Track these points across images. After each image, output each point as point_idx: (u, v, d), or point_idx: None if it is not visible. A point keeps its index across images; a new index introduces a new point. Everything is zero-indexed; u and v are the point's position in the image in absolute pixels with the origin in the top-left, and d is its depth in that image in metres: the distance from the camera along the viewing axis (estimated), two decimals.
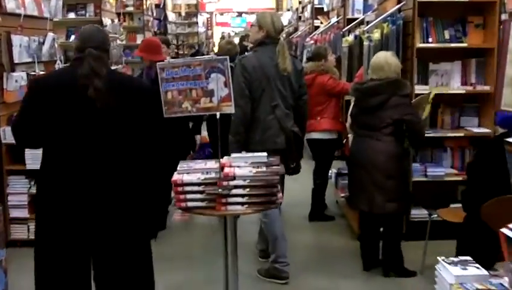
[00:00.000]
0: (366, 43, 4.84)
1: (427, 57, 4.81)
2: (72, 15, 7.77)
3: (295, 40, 11.47)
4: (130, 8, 10.98)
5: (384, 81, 3.97)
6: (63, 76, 2.86)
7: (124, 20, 10.77)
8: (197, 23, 18.60)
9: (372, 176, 3.97)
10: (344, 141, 5.40)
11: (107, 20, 7.64)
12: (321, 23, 9.99)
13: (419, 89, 4.69)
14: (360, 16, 7.22)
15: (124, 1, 10.09)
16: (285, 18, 17.89)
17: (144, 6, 11.02)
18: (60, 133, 2.74)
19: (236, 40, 17.18)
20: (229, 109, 3.08)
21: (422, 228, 4.46)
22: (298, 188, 5.90)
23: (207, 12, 21.81)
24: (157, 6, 13.39)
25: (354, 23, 6.10)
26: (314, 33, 9.15)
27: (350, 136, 5.23)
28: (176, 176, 3.06)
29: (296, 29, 13.22)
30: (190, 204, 3.03)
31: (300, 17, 12.93)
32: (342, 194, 5.17)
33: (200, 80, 3.07)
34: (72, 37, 7.69)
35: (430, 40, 4.76)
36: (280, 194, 3.07)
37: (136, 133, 2.90)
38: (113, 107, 2.74)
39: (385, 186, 3.95)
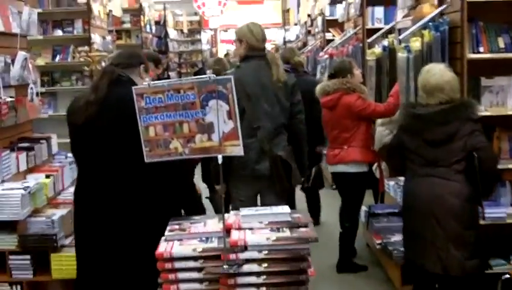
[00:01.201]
0: (403, 54, 3.94)
1: (478, 70, 3.90)
2: (58, 32, 6.97)
3: (305, 55, 10.62)
4: (127, 25, 10.20)
5: (453, 105, 3.20)
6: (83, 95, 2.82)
7: (120, 38, 10.00)
8: (200, 40, 17.82)
9: (445, 226, 3.13)
10: (375, 170, 4.47)
11: (96, 37, 6.80)
12: (333, 36, 9.21)
13: None
14: (381, 26, 6.43)
15: (119, 17, 9.27)
16: (293, 33, 17.13)
17: (142, 23, 10.21)
18: (73, 150, 2.86)
19: None
20: (237, 149, 2.19)
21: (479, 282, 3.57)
22: (321, 228, 5.04)
23: (211, 29, 21.03)
24: (157, 23, 12.61)
25: (381, 31, 5.21)
26: (328, 46, 8.29)
27: (383, 166, 4.33)
28: (162, 246, 2.17)
29: (305, 44, 12.40)
30: (183, 287, 2.15)
31: (309, 31, 12.10)
32: (378, 241, 4.22)
33: (194, 110, 2.19)
34: (58, 57, 6.91)
35: (481, 49, 3.86)
36: (311, 269, 2.16)
37: (131, 155, 2.54)
38: (99, 122, 2.62)
39: (464, 239, 3.11)
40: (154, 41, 11.80)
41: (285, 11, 20.22)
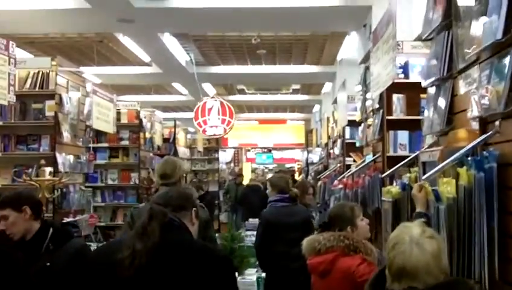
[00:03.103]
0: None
1: None
2: (23, 149, 5.99)
3: (323, 181, 9.41)
4: (125, 142, 9.25)
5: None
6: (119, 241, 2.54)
7: (116, 156, 9.08)
8: (217, 159, 16.88)
9: None
10: None
11: (63, 157, 5.76)
12: (354, 161, 8.04)
13: None
14: (405, 153, 5.22)
15: (113, 134, 8.34)
16: (316, 154, 16.10)
17: (141, 141, 9.26)
18: None
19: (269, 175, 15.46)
20: None
21: None
22: None
23: (231, 148, 20.27)
24: (166, 140, 11.74)
25: (399, 164, 3.93)
26: (343, 175, 7.07)
27: None
28: None
29: (326, 167, 11.26)
30: None
31: (330, 154, 11.00)
32: None
33: None
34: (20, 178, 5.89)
35: None
36: None
37: None
38: (152, 277, 2.14)
39: None
40: (157, 159, 10.84)
41: (309, 132, 19.45)
